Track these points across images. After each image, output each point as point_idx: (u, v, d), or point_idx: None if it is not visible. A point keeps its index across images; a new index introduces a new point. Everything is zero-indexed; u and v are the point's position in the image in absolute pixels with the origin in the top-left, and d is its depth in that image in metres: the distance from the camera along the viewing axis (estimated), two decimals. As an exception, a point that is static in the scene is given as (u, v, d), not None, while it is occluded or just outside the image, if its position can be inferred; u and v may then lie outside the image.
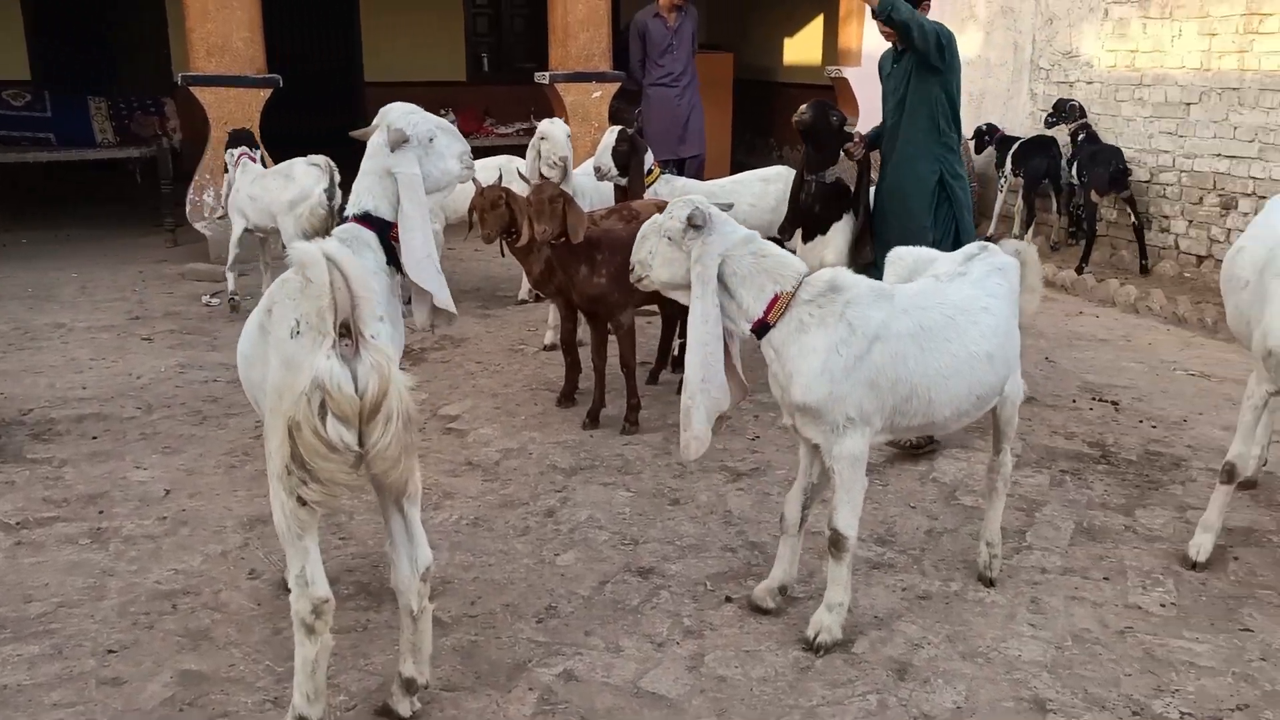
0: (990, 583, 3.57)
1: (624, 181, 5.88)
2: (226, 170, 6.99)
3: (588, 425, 5.01)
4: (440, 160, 3.35)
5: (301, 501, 2.48)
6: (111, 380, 5.65)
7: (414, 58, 13.04)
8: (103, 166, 11.05)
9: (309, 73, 12.48)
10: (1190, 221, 7.64)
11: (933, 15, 4.52)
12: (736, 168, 9.68)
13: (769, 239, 3.29)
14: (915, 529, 3.99)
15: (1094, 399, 5.47)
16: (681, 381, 3.51)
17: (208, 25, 8.22)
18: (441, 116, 3.52)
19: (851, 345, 2.98)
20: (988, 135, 9.05)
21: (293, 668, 2.64)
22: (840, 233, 4.93)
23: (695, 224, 3.06)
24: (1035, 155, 8.42)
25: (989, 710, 2.92)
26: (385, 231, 3.23)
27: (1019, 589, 3.57)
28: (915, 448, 4.63)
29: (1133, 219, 7.76)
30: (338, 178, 6.19)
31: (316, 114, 12.39)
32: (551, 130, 6.07)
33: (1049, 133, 8.55)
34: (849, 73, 9.93)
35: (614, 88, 9.39)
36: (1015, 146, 8.63)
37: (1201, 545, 3.72)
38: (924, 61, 4.56)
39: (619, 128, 5.93)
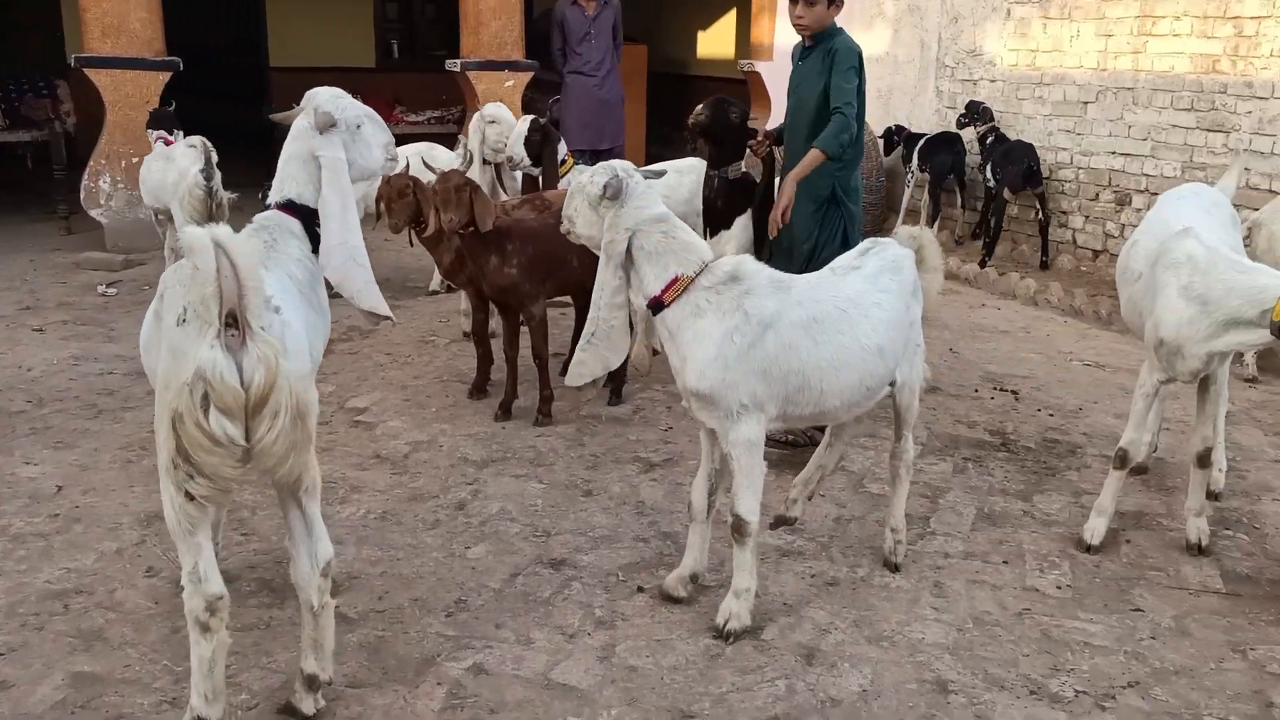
0: (895, 568, 3.65)
1: (537, 171, 5.85)
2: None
3: (500, 417, 4.97)
4: (366, 149, 3.23)
5: (190, 496, 2.41)
6: (1, 373, 5.42)
7: (321, 43, 12.75)
8: (-9, 151, 10.58)
9: (211, 56, 12.13)
10: (1087, 217, 7.89)
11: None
12: (651, 159, 9.73)
13: None
14: (824, 516, 4.05)
15: (995, 389, 5.62)
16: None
17: (103, 4, 7.92)
18: None
19: (745, 333, 3.03)
20: (896, 136, 9.20)
21: (191, 667, 2.57)
22: (743, 227, 4.90)
23: (609, 194, 3.10)
24: (940, 151, 8.60)
25: (893, 693, 2.98)
26: (310, 219, 3.12)
27: (923, 574, 3.65)
28: (792, 444, 4.56)
29: (1039, 215, 7.97)
30: (214, 158, 6.09)
31: (219, 99, 12.05)
32: (499, 113, 6.02)
33: (953, 130, 8.74)
34: (761, 67, 10.02)
35: (527, 76, 9.32)
36: (921, 143, 8.80)
37: (1095, 529, 3.85)
38: (825, 72, 4.31)
39: (531, 117, 5.90)
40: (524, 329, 4.96)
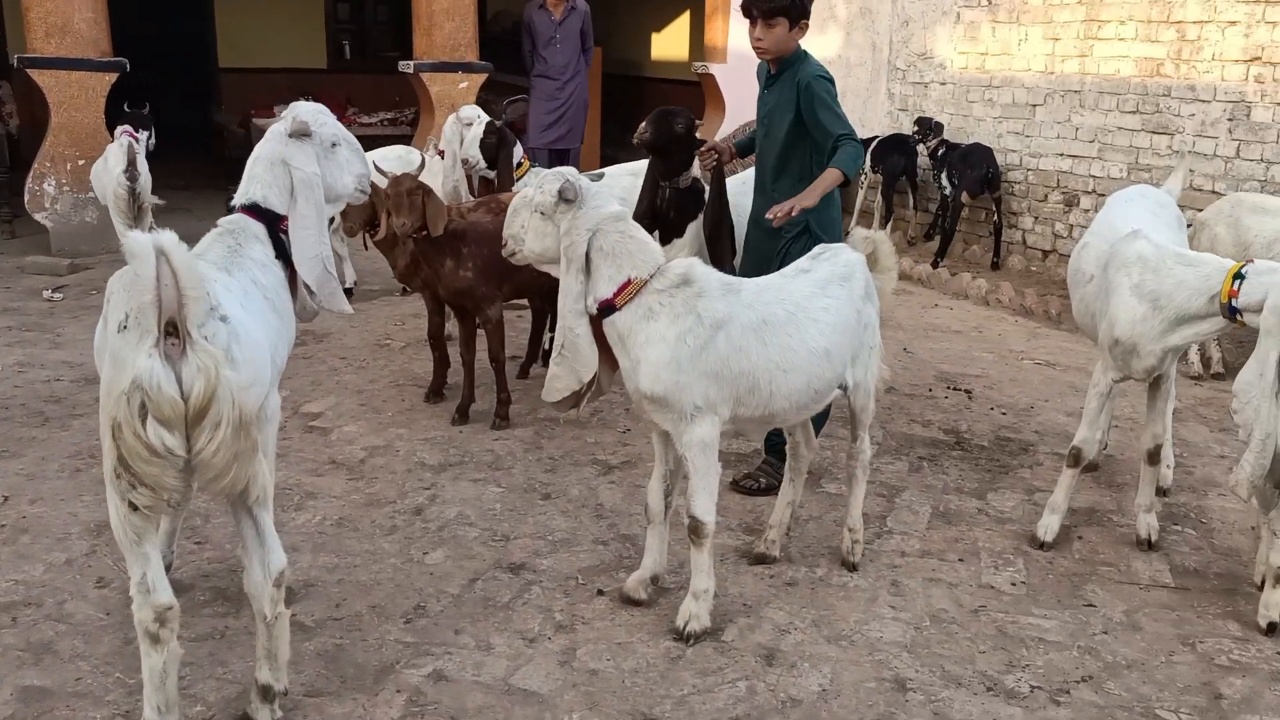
0: (853, 567, 3.68)
1: (492, 174, 5.82)
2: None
3: (457, 421, 4.94)
4: (338, 171, 3.18)
5: (133, 507, 2.37)
6: (-59, 381, 5.30)
7: (271, 43, 12.60)
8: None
9: (159, 57, 11.94)
10: (1036, 218, 8.02)
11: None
12: (605, 161, 9.71)
13: None
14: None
15: (949, 388, 5.68)
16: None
17: (47, 4, 7.76)
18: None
19: (697, 335, 3.04)
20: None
21: (143, 680, 2.52)
22: (694, 234, 4.80)
23: (566, 197, 3.07)
24: (892, 153, 8.69)
25: (853, 691, 3.01)
26: (274, 223, 3.07)
27: (880, 572, 3.68)
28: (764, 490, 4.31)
29: (994, 218, 8.07)
30: (139, 157, 6.01)
31: (167, 101, 11.84)
32: (475, 115, 6.00)
33: (905, 132, 8.83)
34: (715, 69, 10.05)
35: (481, 78, 9.28)
36: (874, 145, 8.89)
37: (1049, 526, 3.91)
38: (800, 117, 4.02)
39: (487, 119, 5.87)
40: (480, 332, 4.94)
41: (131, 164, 6.00)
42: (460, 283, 4.66)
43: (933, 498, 4.31)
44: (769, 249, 4.11)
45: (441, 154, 6.20)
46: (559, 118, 8.34)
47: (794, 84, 4.00)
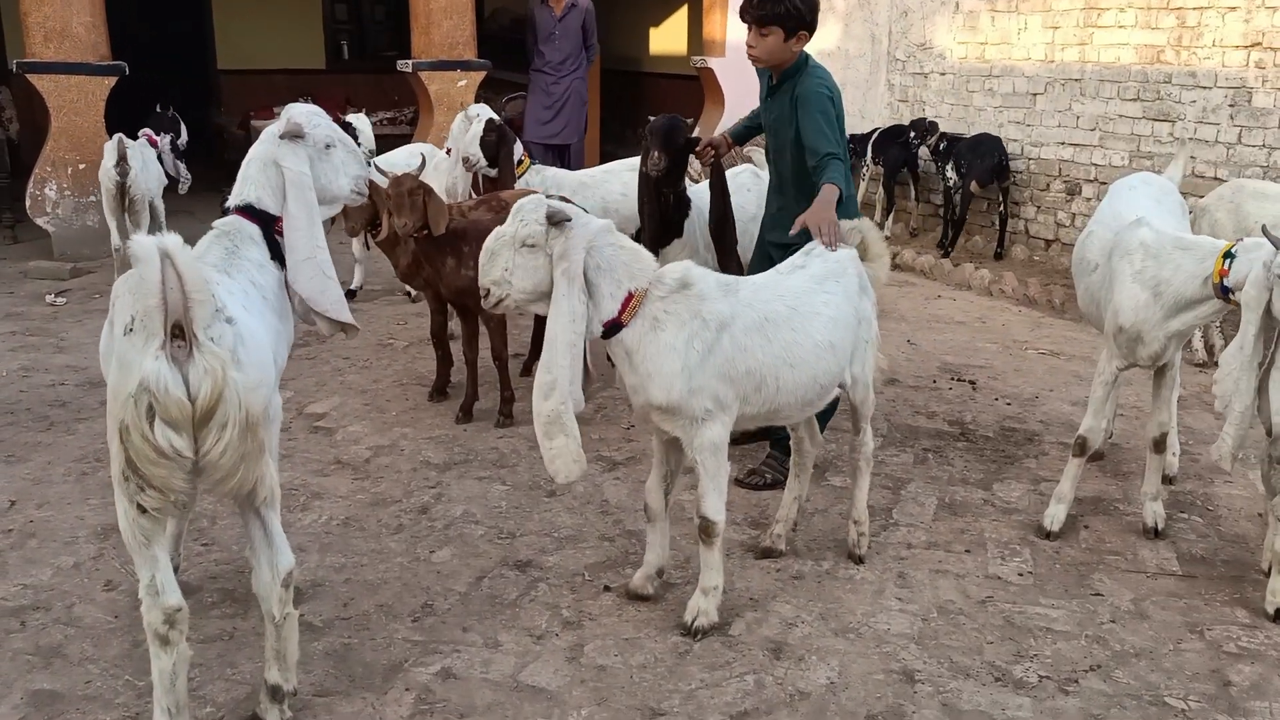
0: (859, 560, 3.67)
1: (494, 172, 5.82)
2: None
3: (461, 419, 4.94)
4: (334, 173, 3.17)
5: (142, 509, 2.37)
6: (-54, 387, 5.31)
7: (270, 44, 12.59)
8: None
9: (158, 59, 11.93)
10: (1039, 207, 8.00)
11: None
12: (605, 158, 9.71)
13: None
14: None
15: (953, 379, 5.68)
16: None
17: (45, 9, 7.77)
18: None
19: (704, 338, 3.00)
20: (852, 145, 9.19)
21: (153, 682, 2.53)
22: (691, 230, 4.73)
23: (557, 220, 2.91)
24: (892, 144, 8.68)
25: (861, 684, 3.01)
26: (270, 225, 3.07)
27: (886, 565, 3.68)
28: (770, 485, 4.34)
29: (1000, 207, 8.04)
30: (128, 152, 6.40)
31: (167, 103, 11.84)
32: (485, 112, 6.00)
33: (904, 123, 8.82)
34: (714, 63, 10.04)
35: (479, 76, 9.28)
36: (875, 136, 8.87)
37: (1055, 515, 3.91)
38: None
39: (488, 117, 5.86)
40: (483, 330, 4.94)
41: (122, 159, 6.34)
42: (462, 281, 4.65)
43: (938, 489, 4.30)
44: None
45: (449, 152, 6.22)
46: (555, 114, 8.38)
47: (791, 98, 3.90)
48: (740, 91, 9.41)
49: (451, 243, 4.62)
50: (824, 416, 4.02)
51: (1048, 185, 7.91)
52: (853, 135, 9.26)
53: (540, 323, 5.51)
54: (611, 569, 3.63)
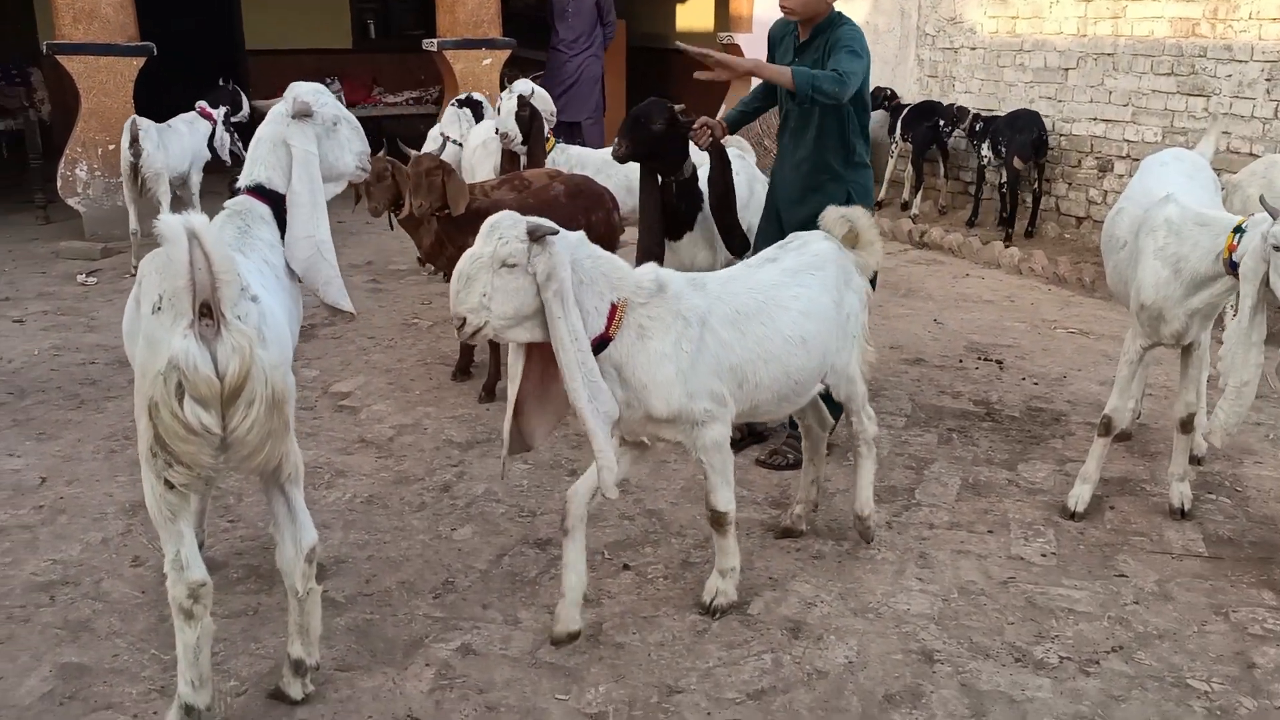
0: (870, 540, 3.62)
1: (524, 149, 5.79)
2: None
3: (483, 399, 4.96)
4: (339, 150, 3.20)
5: (169, 485, 2.41)
6: (-20, 365, 5.39)
7: (297, 24, 12.60)
8: (-35, 141, 10.47)
9: (186, 40, 11.98)
10: (1070, 184, 7.90)
11: None
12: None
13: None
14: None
15: (980, 358, 5.63)
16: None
17: (74, -10, 7.82)
18: (327, 85, 3.42)
19: (689, 337, 2.91)
20: (887, 102, 9.03)
21: (177, 655, 2.57)
22: (702, 223, 4.55)
23: (539, 235, 2.68)
24: (922, 121, 8.58)
25: (879, 663, 3.00)
26: (279, 204, 3.10)
27: (908, 545, 3.67)
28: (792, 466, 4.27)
29: (1035, 185, 7.92)
30: (140, 133, 6.67)
31: (196, 85, 11.92)
32: (533, 87, 6.00)
33: (935, 99, 8.72)
34: (741, 39, 9.95)
35: (504, 54, 9.25)
36: (904, 112, 8.77)
37: (1080, 496, 3.87)
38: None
39: (519, 93, 5.84)
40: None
41: (135, 140, 6.61)
42: (485, 260, 4.65)
43: (962, 469, 4.27)
44: (801, 215, 3.98)
45: (498, 132, 6.17)
46: (565, 90, 8.45)
47: (824, 51, 3.80)
48: (767, 68, 9.31)
49: (473, 222, 4.52)
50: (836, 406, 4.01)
51: (1079, 162, 7.80)
52: (891, 94, 9.07)
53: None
54: (631, 548, 3.64)
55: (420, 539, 3.69)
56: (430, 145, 6.94)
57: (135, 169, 6.63)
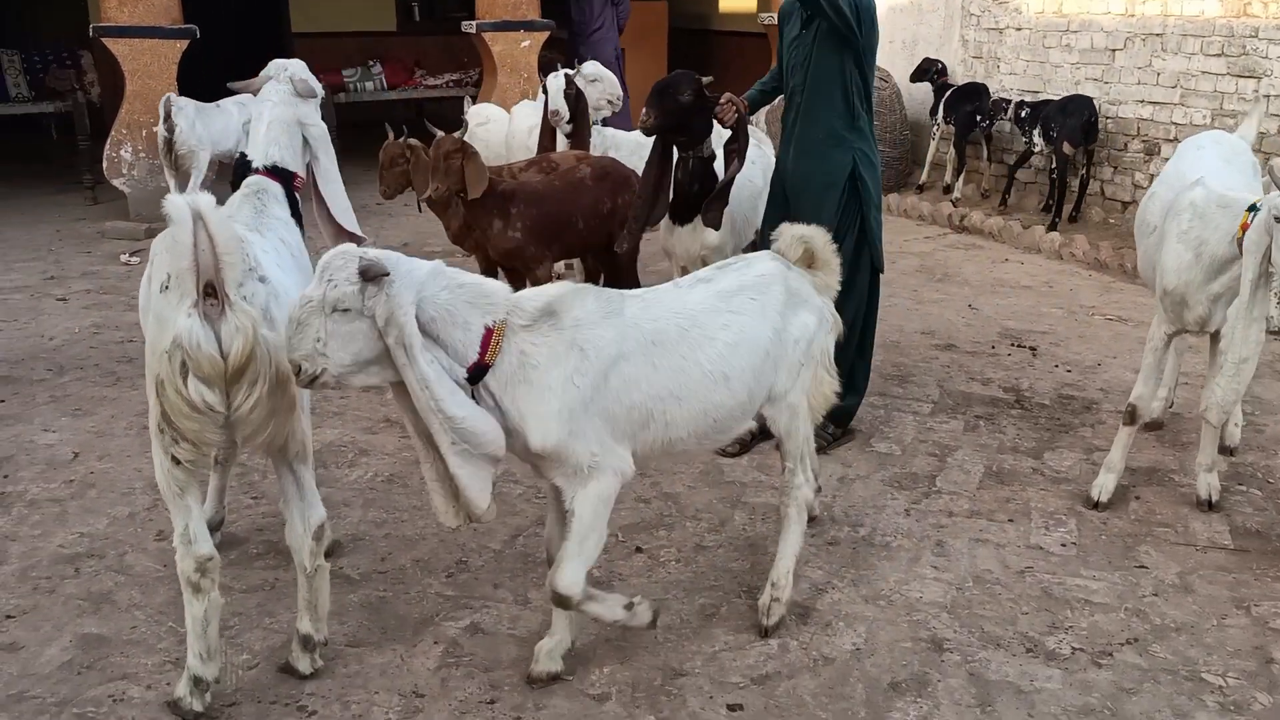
0: (765, 632, 3.04)
1: (569, 129, 5.75)
2: None
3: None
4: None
5: (176, 460, 2.46)
6: (23, 342, 5.52)
7: (342, 7, 12.70)
8: (17, 122, 10.66)
9: (233, 23, 12.12)
10: (1115, 168, 7.73)
11: None
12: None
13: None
14: (829, 476, 4.02)
15: (1013, 345, 5.54)
16: None
17: (120, -27, 7.95)
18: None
19: (585, 373, 2.58)
20: (937, 76, 8.84)
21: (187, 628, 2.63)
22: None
23: (372, 275, 2.39)
24: (965, 103, 8.44)
25: (887, 651, 2.98)
26: (290, 183, 3.16)
27: (925, 532, 3.63)
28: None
29: (1083, 170, 7.76)
30: (174, 111, 6.90)
31: (240, 68, 12.07)
32: (599, 71, 5.99)
33: (979, 80, 8.56)
34: (782, 21, 9.85)
35: (543, 37, 9.25)
36: (947, 94, 8.63)
37: (1104, 485, 3.81)
38: (835, 31, 3.89)
39: (565, 72, 5.82)
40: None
41: (168, 117, 6.81)
42: (509, 243, 4.67)
43: (986, 457, 4.22)
44: (816, 210, 3.90)
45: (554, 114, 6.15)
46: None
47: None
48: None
49: (499, 205, 4.62)
50: (861, 383, 3.99)
51: (1125, 145, 7.62)
52: (941, 68, 8.86)
53: (590, 282, 5.51)
54: (645, 530, 3.64)
55: (437, 519, 3.71)
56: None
57: (170, 145, 6.80)
